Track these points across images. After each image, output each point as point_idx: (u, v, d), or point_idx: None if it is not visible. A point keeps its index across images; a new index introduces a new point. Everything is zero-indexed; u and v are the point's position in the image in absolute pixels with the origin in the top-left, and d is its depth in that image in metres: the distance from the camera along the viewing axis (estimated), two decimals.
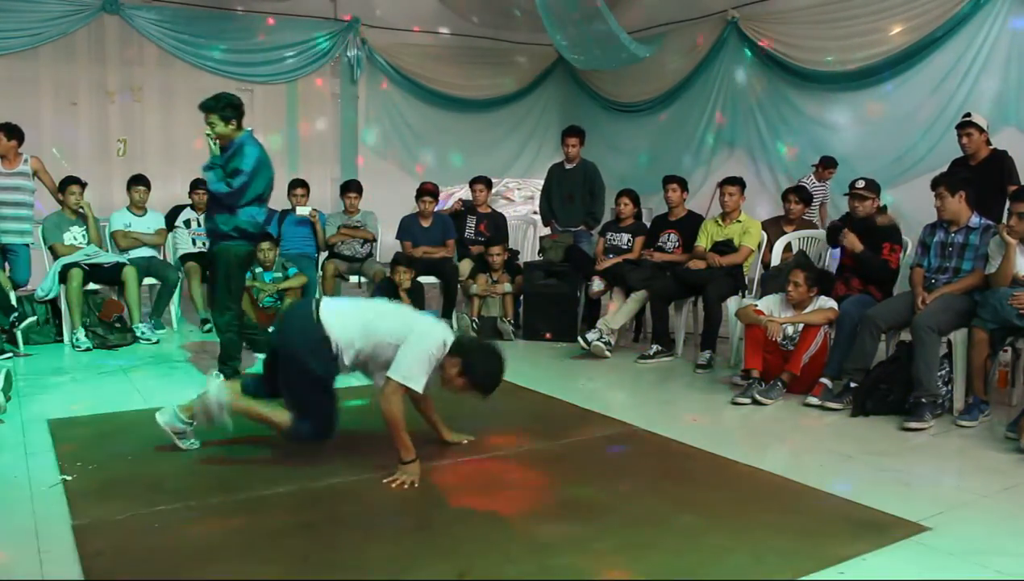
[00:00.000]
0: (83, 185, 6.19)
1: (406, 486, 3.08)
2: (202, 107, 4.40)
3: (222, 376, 4.48)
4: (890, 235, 4.80)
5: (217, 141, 4.43)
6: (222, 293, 4.49)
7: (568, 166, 6.74)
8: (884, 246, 4.75)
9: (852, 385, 4.36)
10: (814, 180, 6.70)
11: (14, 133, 5.83)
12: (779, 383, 4.56)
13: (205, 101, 4.40)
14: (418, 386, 3.13)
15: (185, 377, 4.97)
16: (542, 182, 7.13)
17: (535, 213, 8.37)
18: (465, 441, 3.66)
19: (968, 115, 5.08)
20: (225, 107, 4.38)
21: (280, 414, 3.27)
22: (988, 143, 5.05)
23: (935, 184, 4.50)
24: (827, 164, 6.69)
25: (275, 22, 8.16)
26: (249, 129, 4.52)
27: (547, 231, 7.02)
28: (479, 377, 3.15)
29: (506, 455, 3.58)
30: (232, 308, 4.52)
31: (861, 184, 4.85)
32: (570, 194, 6.67)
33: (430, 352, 3.13)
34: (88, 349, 5.64)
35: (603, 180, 6.70)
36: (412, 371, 3.10)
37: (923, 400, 4.08)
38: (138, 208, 6.54)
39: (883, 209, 4.97)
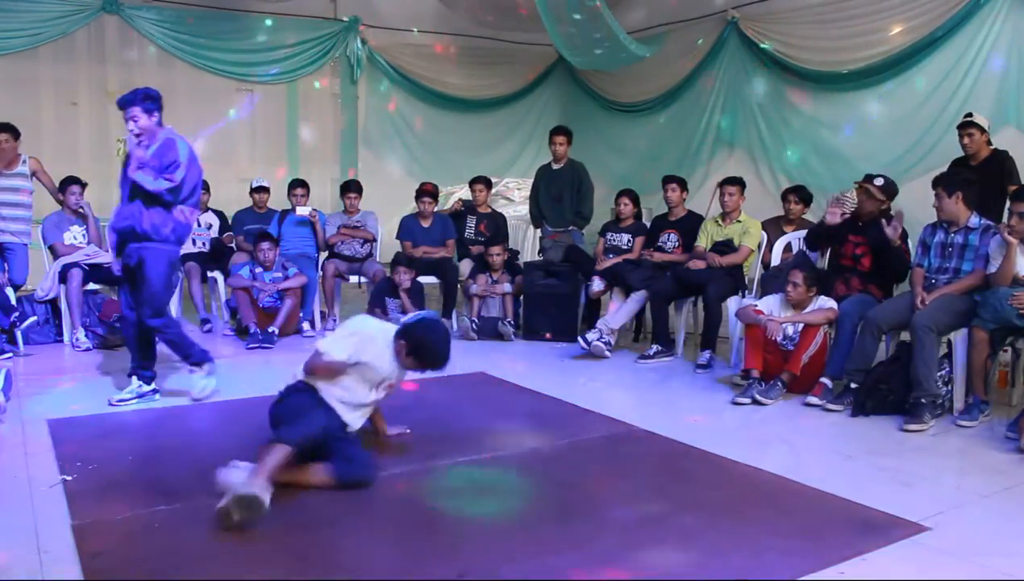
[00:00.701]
0: (83, 185, 6.19)
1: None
2: (121, 102, 4.17)
3: (203, 368, 4.43)
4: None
5: (125, 146, 4.28)
6: (161, 299, 4.24)
7: (555, 166, 6.72)
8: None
9: (852, 386, 4.36)
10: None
11: (19, 134, 5.84)
12: (779, 383, 4.56)
13: (122, 96, 4.18)
14: (335, 353, 3.21)
15: (185, 377, 4.97)
16: None
17: None
18: (408, 431, 3.73)
19: (970, 115, 5.08)
20: (144, 98, 4.16)
21: (315, 472, 3.09)
22: (989, 143, 5.05)
23: (934, 184, 4.50)
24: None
25: (275, 22, 8.15)
26: (170, 126, 4.33)
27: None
28: (425, 356, 3.27)
29: (506, 455, 3.58)
30: (168, 310, 4.36)
31: (880, 182, 4.79)
32: (558, 195, 6.66)
33: (349, 330, 3.32)
34: (88, 349, 5.64)
35: (591, 180, 6.70)
36: (330, 341, 3.28)
37: (922, 400, 4.08)
38: None
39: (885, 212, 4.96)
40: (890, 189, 4.83)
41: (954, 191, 4.37)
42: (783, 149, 7.31)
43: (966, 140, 4.99)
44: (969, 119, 5.01)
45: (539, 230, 6.96)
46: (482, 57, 9.31)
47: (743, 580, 2.44)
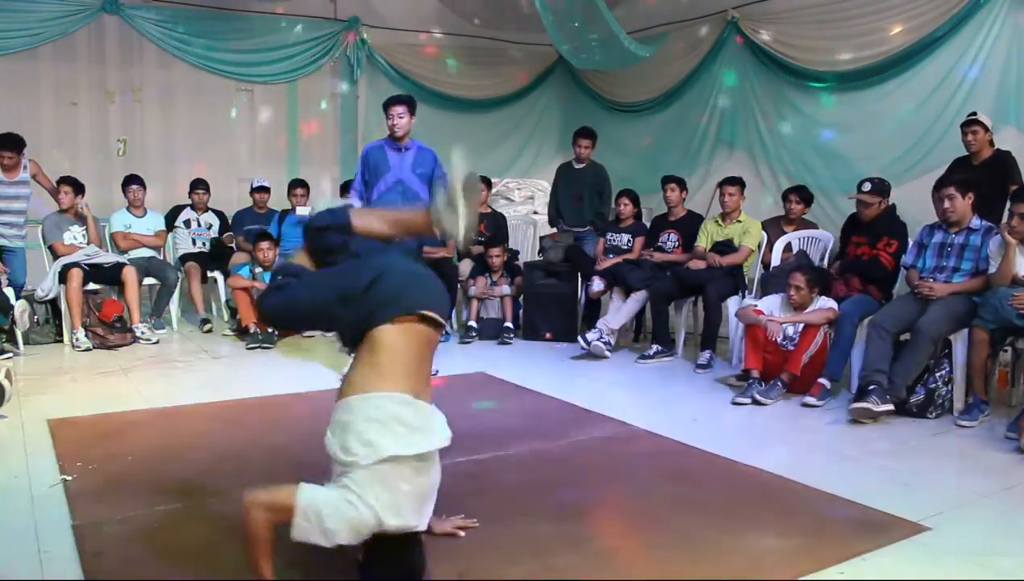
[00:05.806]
0: (79, 187, 6.15)
1: None
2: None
3: None
4: (888, 229, 4.79)
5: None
6: None
7: (577, 166, 6.74)
8: (881, 239, 4.74)
9: (871, 387, 4.12)
10: None
11: (23, 146, 5.82)
12: (779, 383, 4.56)
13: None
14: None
15: (185, 377, 4.97)
16: (542, 182, 7.12)
17: (535, 213, 8.36)
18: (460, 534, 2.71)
19: (974, 113, 5.07)
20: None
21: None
22: (991, 143, 5.05)
23: (942, 185, 4.48)
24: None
25: (275, 22, 8.15)
26: None
27: (547, 231, 7.00)
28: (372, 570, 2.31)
29: (506, 455, 3.58)
30: None
31: (867, 187, 4.83)
32: (579, 194, 6.68)
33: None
34: (88, 349, 5.64)
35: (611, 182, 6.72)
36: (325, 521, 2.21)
37: (870, 388, 4.05)
38: (137, 208, 6.55)
39: (891, 208, 4.96)
40: (881, 187, 4.86)
41: (967, 192, 4.38)
42: (783, 149, 7.30)
43: (969, 137, 4.98)
44: (973, 117, 5.01)
45: (555, 229, 6.92)
46: (482, 57, 9.30)
47: (743, 580, 2.44)
